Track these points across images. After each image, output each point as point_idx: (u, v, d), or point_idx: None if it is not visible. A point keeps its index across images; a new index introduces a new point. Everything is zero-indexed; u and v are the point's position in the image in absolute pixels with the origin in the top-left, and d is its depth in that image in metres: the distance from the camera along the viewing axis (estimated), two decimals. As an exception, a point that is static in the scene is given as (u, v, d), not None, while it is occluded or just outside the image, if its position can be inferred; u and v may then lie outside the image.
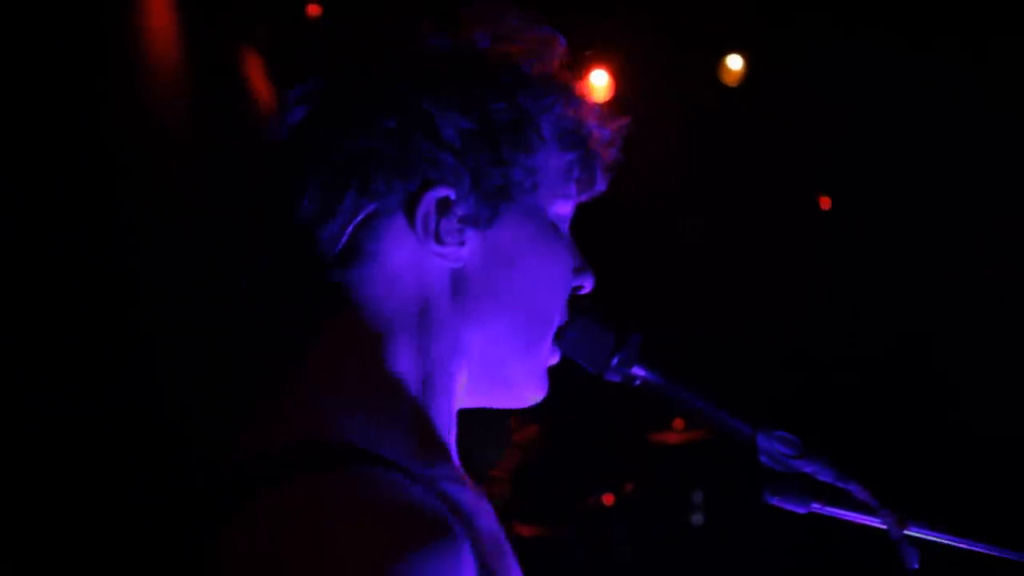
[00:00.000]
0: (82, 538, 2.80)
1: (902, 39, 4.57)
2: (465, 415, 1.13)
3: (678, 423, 5.39)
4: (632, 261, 5.27)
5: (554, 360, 1.15)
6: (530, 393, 1.13)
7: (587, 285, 1.17)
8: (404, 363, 1.04)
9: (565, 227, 1.15)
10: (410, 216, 1.05)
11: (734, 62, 5.25)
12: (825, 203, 5.56)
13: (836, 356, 4.92)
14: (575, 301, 1.15)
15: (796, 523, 1.18)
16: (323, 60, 1.09)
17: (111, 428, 2.97)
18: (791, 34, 4.92)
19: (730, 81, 5.26)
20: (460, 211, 1.05)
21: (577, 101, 1.12)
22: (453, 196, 1.05)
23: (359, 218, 1.04)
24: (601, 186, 1.18)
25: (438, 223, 1.05)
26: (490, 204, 1.06)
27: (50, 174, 3.12)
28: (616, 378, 1.16)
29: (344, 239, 1.05)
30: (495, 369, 1.10)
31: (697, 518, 5.53)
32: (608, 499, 5.00)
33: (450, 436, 1.08)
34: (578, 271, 1.15)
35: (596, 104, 1.14)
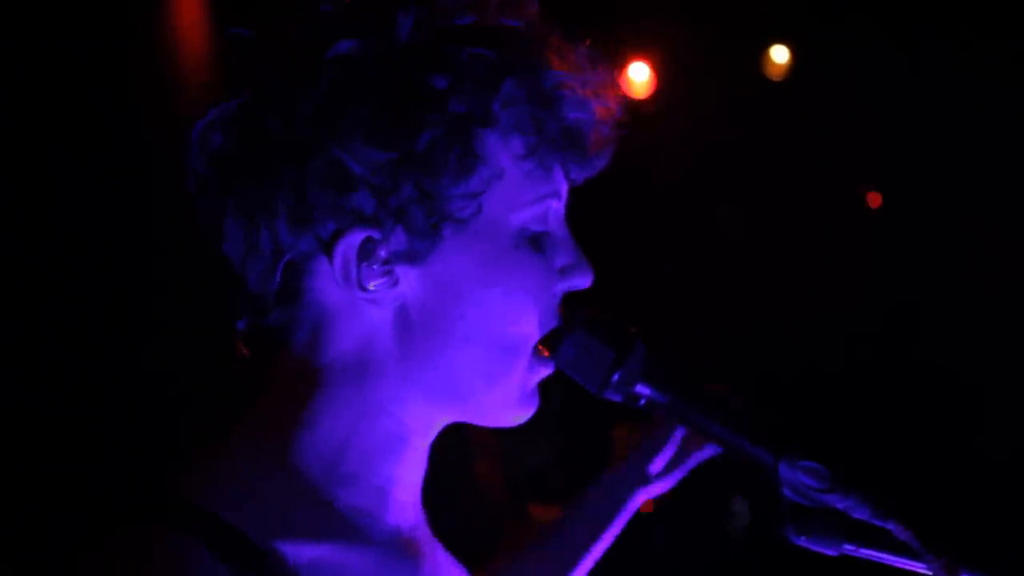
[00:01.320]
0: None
1: (954, 30, 4.38)
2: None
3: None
4: (673, 256, 5.12)
5: (545, 374, 1.01)
6: (510, 415, 1.00)
7: (582, 283, 1.01)
8: (333, 414, 0.94)
9: (546, 227, 0.98)
10: (330, 262, 0.92)
11: (779, 54, 5.06)
12: (874, 200, 5.35)
13: (882, 363, 4.71)
14: (572, 308, 1.00)
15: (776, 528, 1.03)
16: (232, 80, 0.96)
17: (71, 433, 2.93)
18: (838, 26, 4.73)
19: (775, 74, 5.08)
20: (384, 251, 0.92)
21: (546, 81, 0.93)
22: (376, 236, 0.91)
23: (283, 260, 0.93)
24: (586, 173, 1.00)
25: (359, 270, 0.91)
26: (424, 240, 0.92)
27: (74, 175, 3.09)
28: (617, 397, 1.02)
29: (276, 279, 0.94)
30: (463, 400, 0.97)
31: (738, 525, 5.35)
32: (647, 506, 4.84)
33: (391, 490, 0.97)
34: (567, 272, 0.99)
35: (574, 76, 0.94)
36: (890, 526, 0.97)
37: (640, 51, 5.06)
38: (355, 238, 0.91)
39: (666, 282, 5.07)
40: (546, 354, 1.00)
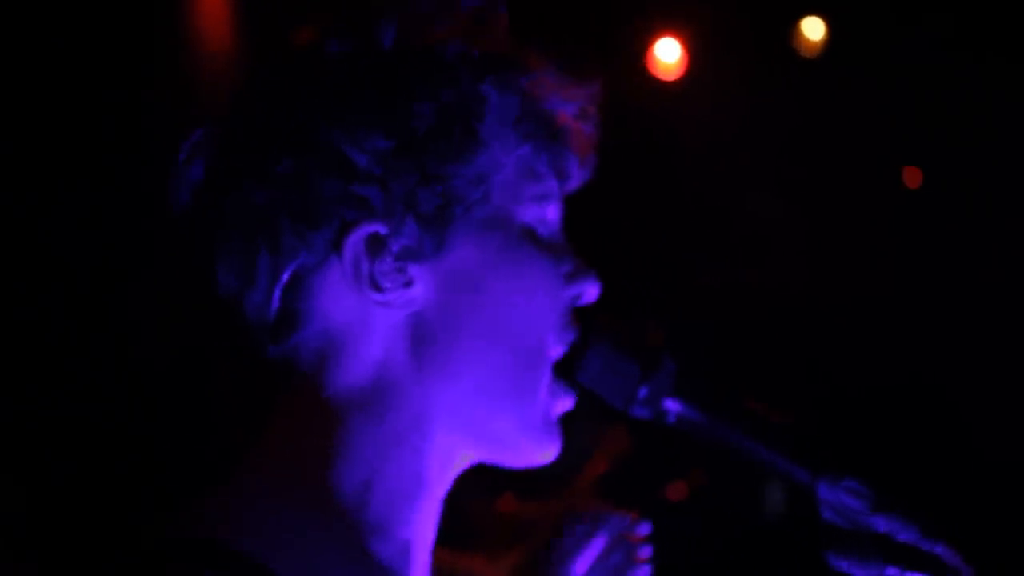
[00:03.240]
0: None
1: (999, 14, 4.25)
2: None
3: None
4: (704, 239, 5.04)
5: (566, 406, 0.95)
6: (534, 450, 0.94)
7: (589, 293, 0.97)
8: (351, 453, 0.89)
9: (548, 229, 0.95)
10: (340, 262, 0.88)
11: (814, 30, 4.94)
12: (913, 178, 5.22)
13: (925, 350, 4.60)
14: (589, 321, 0.95)
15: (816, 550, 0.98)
16: (220, 103, 0.94)
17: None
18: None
19: (809, 51, 4.96)
20: (396, 246, 0.88)
21: (527, 78, 0.93)
22: (384, 230, 0.88)
23: (283, 279, 0.88)
24: (580, 172, 0.97)
25: (371, 267, 0.88)
26: (433, 230, 0.88)
27: (92, 171, 3.08)
28: (646, 414, 0.96)
29: (274, 306, 0.89)
30: (481, 427, 0.92)
31: (772, 513, 5.30)
32: (674, 494, 4.79)
33: (412, 534, 0.92)
34: (572, 277, 0.95)
35: (555, 75, 0.93)
36: (939, 550, 0.91)
37: (670, 28, 4.98)
38: (364, 231, 0.88)
39: (696, 267, 4.99)
40: (566, 381, 0.95)
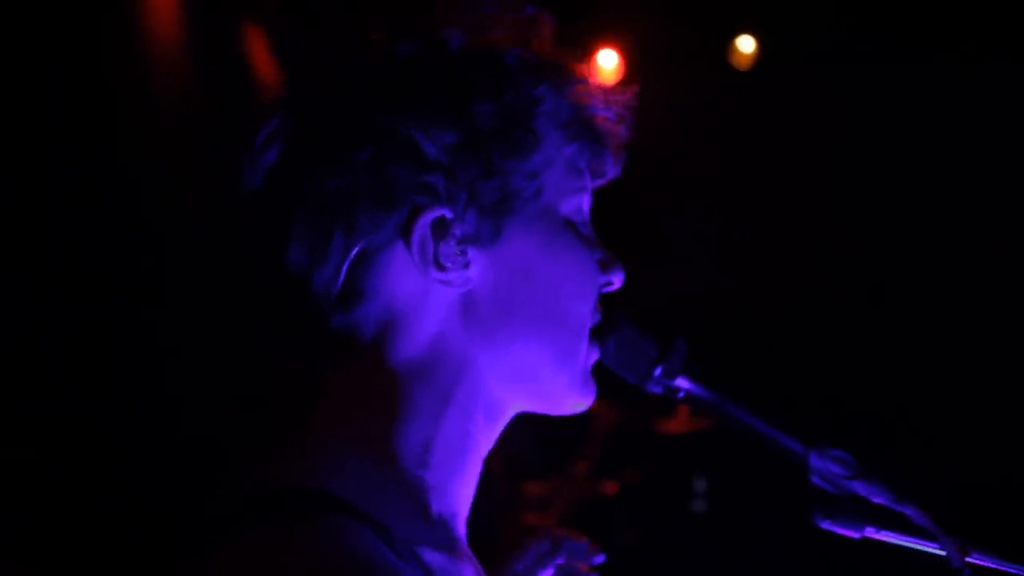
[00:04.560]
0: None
1: (918, 21, 4.48)
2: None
3: (682, 411, 5.32)
4: (639, 247, 5.18)
5: (594, 358, 1.06)
6: (574, 401, 1.05)
7: (616, 280, 1.08)
8: (413, 414, 0.97)
9: (583, 220, 1.06)
10: (407, 245, 0.97)
11: (746, 44, 5.14)
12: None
13: (852, 347, 4.84)
14: (612, 304, 1.07)
15: (800, 513, 1.11)
16: (287, 91, 1.01)
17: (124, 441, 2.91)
18: (804, 16, 4.82)
19: (741, 64, 5.16)
20: (458, 231, 0.97)
21: (574, 83, 1.03)
22: (449, 216, 0.97)
23: (351, 256, 0.96)
24: (613, 170, 1.09)
25: (436, 248, 0.97)
26: (492, 218, 0.98)
27: (46, 165, 3.05)
28: (658, 390, 1.08)
29: (340, 281, 0.97)
30: (531, 386, 1.02)
31: (699, 505, 5.47)
32: (611, 488, 4.93)
33: (461, 491, 1.01)
34: (604, 266, 1.06)
35: (597, 82, 1.04)
36: (908, 510, 1.04)
37: (609, 38, 5.12)
38: (431, 215, 0.96)
39: (633, 274, 5.13)
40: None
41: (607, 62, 5.20)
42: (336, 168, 0.95)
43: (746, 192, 5.10)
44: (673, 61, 5.01)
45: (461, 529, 1.01)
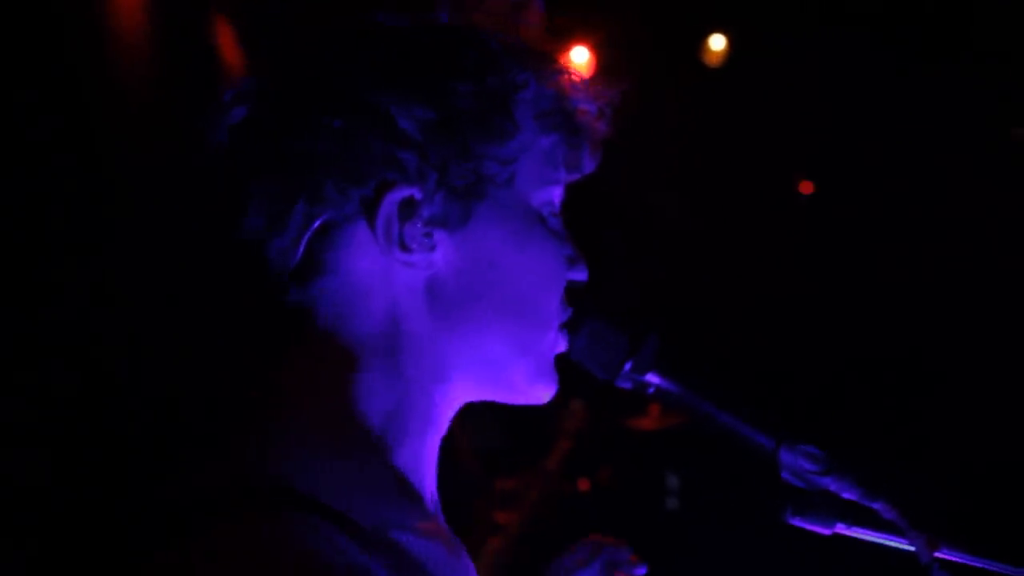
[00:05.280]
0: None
1: (889, 18, 4.51)
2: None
3: (654, 409, 5.33)
4: (608, 243, 5.19)
5: (558, 350, 1.04)
6: (538, 392, 1.03)
7: (582, 276, 1.06)
8: (372, 392, 0.94)
9: (553, 212, 1.04)
10: (371, 222, 0.93)
11: (716, 42, 5.16)
12: (806, 188, 5.50)
13: (819, 346, 4.87)
14: (582, 299, 1.05)
15: (774, 510, 1.10)
16: (263, 55, 0.98)
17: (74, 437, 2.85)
18: (775, 15, 4.84)
19: (712, 61, 5.17)
20: (426, 212, 0.94)
21: (557, 74, 1.01)
22: (418, 196, 0.94)
23: (314, 227, 0.93)
24: (589, 166, 1.07)
25: (401, 228, 0.94)
26: (461, 202, 0.95)
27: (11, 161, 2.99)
28: (628, 385, 1.06)
29: (300, 252, 0.93)
30: (494, 375, 1.00)
31: (672, 503, 5.48)
32: (583, 485, 4.92)
33: (425, 471, 0.98)
34: (572, 261, 1.04)
35: (580, 76, 1.03)
36: (877, 506, 1.04)
37: (580, 34, 5.12)
38: (399, 194, 0.93)
39: (600, 266, 5.13)
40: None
41: (578, 58, 5.20)
42: (307, 132, 0.92)
43: (717, 188, 5.11)
44: (645, 58, 5.01)
45: (428, 505, 0.99)
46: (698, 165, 5.16)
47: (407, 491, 0.95)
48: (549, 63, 1.00)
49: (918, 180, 4.68)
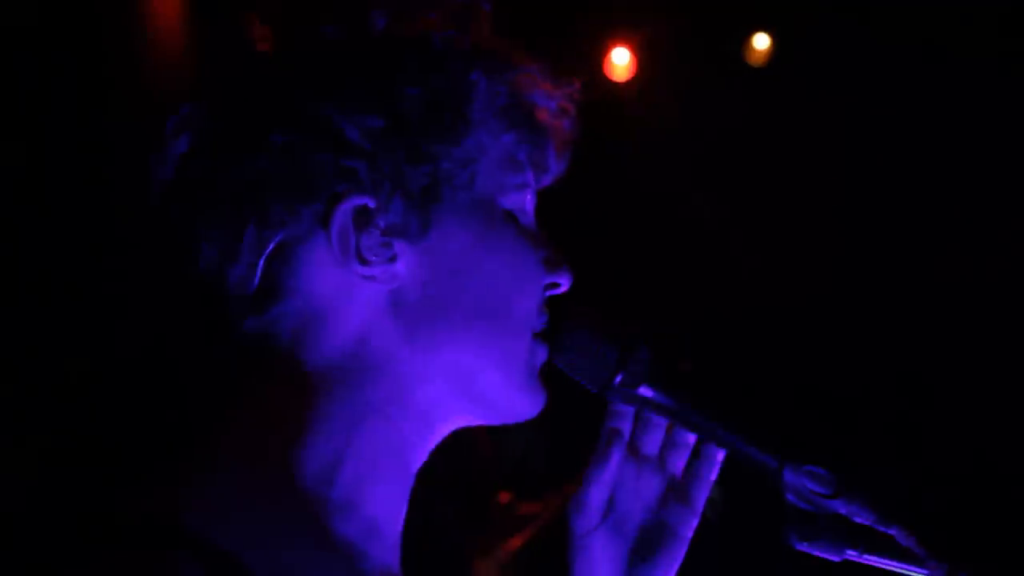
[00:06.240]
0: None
1: (937, 19, 4.39)
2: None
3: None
4: (650, 246, 5.11)
5: (543, 357, 0.98)
6: (520, 406, 0.96)
7: (563, 282, 0.99)
8: (325, 425, 0.88)
9: (525, 219, 0.98)
10: (327, 238, 0.89)
11: (760, 41, 5.05)
12: (847, 186, 5.36)
13: (859, 354, 4.73)
14: (571, 307, 0.98)
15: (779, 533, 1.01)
16: (201, 79, 0.94)
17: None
18: (820, 13, 4.73)
19: (755, 61, 5.07)
20: (383, 222, 0.89)
21: (512, 71, 0.95)
22: (372, 204, 0.89)
23: (268, 250, 0.88)
24: (557, 166, 1.01)
25: (358, 240, 0.89)
26: (420, 208, 0.90)
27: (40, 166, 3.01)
28: (619, 399, 0.99)
29: (256, 278, 0.89)
30: (468, 389, 0.93)
31: (715, 514, 5.37)
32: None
33: (381, 511, 0.92)
34: (550, 265, 0.98)
35: (538, 72, 0.97)
36: (893, 531, 0.96)
37: (622, 36, 5.05)
38: (352, 203, 0.89)
39: (641, 270, 5.06)
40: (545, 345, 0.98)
41: (620, 60, 5.13)
42: (248, 154, 0.88)
43: (760, 190, 5.01)
44: (686, 59, 4.93)
45: (380, 550, 0.92)
46: (742, 165, 5.07)
47: (343, 535, 0.88)
48: (501, 60, 0.95)
49: (964, 183, 4.54)
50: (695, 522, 1.11)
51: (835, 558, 0.96)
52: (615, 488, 1.08)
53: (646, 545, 1.09)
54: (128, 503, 0.82)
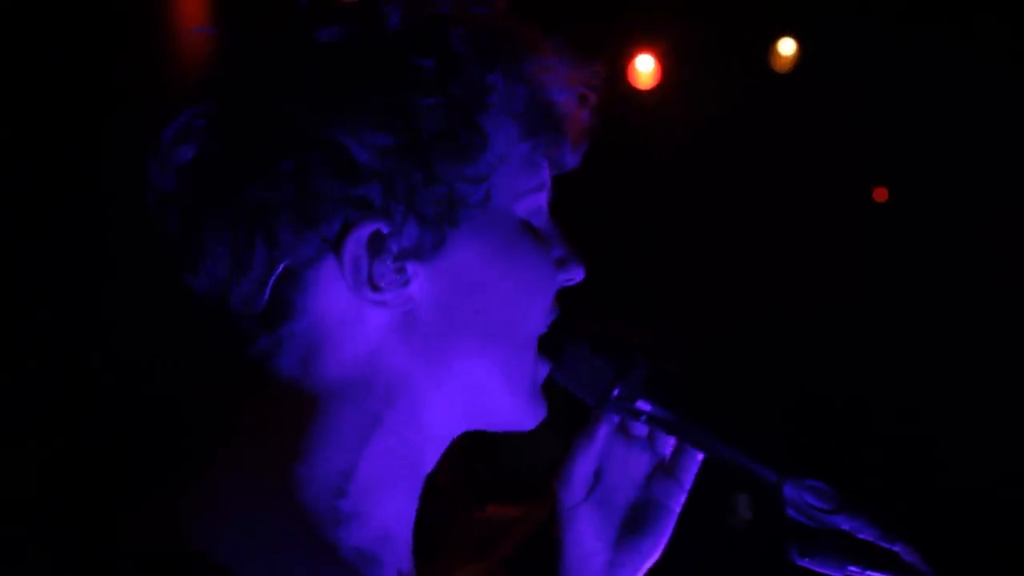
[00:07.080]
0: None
1: (963, 23, 4.33)
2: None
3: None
4: (676, 253, 5.08)
5: (545, 372, 0.97)
6: (526, 418, 0.95)
7: (576, 276, 0.97)
8: (336, 438, 0.87)
9: (540, 218, 0.95)
10: (339, 263, 0.86)
11: (786, 47, 5.01)
12: (881, 195, 5.31)
13: (889, 360, 4.67)
14: (570, 321, 0.97)
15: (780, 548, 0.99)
16: (207, 84, 0.89)
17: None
18: (845, 18, 4.69)
19: (781, 67, 5.03)
20: (396, 246, 0.86)
21: (530, 63, 0.91)
22: (385, 230, 0.86)
23: (277, 272, 0.86)
24: (572, 159, 0.97)
25: (371, 267, 0.86)
26: (435, 229, 0.87)
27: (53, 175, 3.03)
28: (617, 412, 0.99)
29: (266, 296, 0.86)
30: (477, 404, 0.92)
31: (740, 520, 5.33)
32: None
33: (394, 517, 0.91)
34: (562, 263, 0.96)
35: (557, 58, 0.92)
36: (897, 548, 0.94)
37: (646, 43, 5.03)
38: (365, 231, 0.85)
39: (667, 275, 5.04)
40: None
41: (644, 67, 5.11)
42: (256, 176, 0.85)
43: (785, 197, 4.97)
44: (711, 65, 4.91)
45: (393, 555, 0.92)
46: (767, 172, 5.03)
47: (357, 545, 0.88)
48: (520, 52, 0.90)
49: (996, 187, 4.47)
50: (683, 497, 1.09)
51: (838, 574, 0.94)
52: (603, 462, 1.07)
53: (634, 518, 1.09)
54: (131, 522, 0.82)
